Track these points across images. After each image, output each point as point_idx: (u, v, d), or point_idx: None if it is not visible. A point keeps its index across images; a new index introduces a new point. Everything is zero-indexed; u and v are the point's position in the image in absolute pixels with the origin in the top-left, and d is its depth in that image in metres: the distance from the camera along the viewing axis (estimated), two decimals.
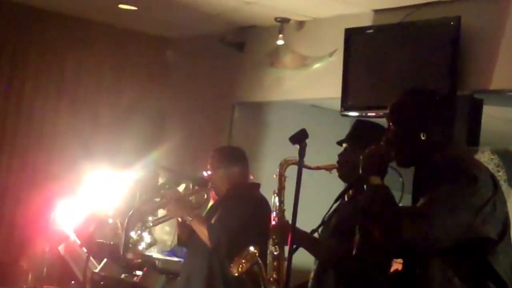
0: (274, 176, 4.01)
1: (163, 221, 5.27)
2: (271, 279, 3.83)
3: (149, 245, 6.84)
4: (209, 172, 5.05)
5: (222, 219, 4.83)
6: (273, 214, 3.93)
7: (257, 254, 3.79)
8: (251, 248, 3.82)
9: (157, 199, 5.34)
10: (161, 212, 7.33)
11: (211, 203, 5.30)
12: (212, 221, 4.88)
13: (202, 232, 4.82)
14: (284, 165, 3.99)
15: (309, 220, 3.88)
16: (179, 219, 5.03)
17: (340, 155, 4.03)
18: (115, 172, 7.10)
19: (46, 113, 8.01)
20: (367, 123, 4.19)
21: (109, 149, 7.79)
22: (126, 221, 5.26)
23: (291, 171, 3.84)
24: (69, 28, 8.12)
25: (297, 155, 3.56)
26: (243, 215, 4.72)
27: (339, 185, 4.13)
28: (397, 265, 5.25)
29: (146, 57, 8.61)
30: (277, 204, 3.96)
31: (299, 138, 3.55)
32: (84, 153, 7.68)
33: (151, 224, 5.18)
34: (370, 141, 3.62)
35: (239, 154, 5.14)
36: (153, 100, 8.58)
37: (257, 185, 4.99)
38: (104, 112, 8.32)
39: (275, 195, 3.98)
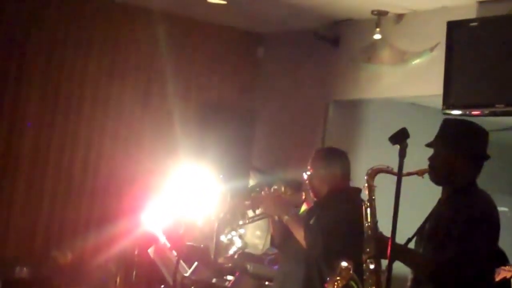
0: (363, 186, 3.93)
1: (258, 219, 5.15)
2: None
3: (240, 249, 6.74)
4: (309, 172, 4.90)
5: (320, 220, 4.70)
6: (365, 226, 3.83)
7: (351, 269, 3.68)
8: (344, 263, 3.70)
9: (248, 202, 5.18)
10: (251, 215, 7.23)
11: (304, 207, 5.09)
12: (311, 222, 4.77)
13: (298, 232, 4.68)
14: (372, 174, 3.88)
15: (403, 228, 3.76)
16: (276, 217, 4.90)
17: (431, 158, 3.89)
18: (204, 173, 6.99)
19: (133, 113, 8.00)
20: (456, 121, 4.10)
21: (198, 149, 7.73)
22: (216, 224, 5.12)
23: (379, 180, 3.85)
24: (156, 24, 8.03)
25: (384, 163, 3.63)
26: (343, 220, 4.55)
27: (433, 190, 4.02)
28: (505, 273, 4.87)
29: (236, 53, 8.55)
30: (369, 215, 3.84)
31: (400, 138, 3.49)
32: (172, 153, 7.62)
33: (247, 221, 5.03)
34: (462, 139, 3.75)
35: (341, 156, 4.99)
36: (243, 98, 8.53)
37: (358, 190, 4.83)
38: (192, 110, 8.24)
39: (366, 206, 3.87)
